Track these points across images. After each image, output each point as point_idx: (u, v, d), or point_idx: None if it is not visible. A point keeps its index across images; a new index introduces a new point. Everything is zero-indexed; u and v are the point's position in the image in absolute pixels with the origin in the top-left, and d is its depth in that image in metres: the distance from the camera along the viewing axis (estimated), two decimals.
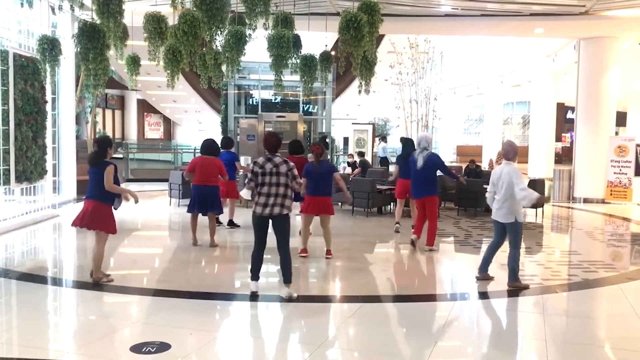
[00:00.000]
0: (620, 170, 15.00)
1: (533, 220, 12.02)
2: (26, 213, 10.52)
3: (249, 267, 6.26)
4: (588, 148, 15.21)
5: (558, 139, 29.50)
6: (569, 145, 31.83)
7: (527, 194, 6.24)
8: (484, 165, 25.95)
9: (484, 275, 6.93)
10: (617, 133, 18.94)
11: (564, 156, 31.83)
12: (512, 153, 6.76)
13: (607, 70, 14.98)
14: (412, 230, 8.92)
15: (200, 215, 8.74)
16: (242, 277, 7.14)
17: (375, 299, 6.40)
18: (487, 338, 5.34)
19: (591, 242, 10.01)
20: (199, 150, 9.25)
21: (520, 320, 5.80)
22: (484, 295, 6.67)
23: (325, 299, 6.46)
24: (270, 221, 6.03)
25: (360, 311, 5.77)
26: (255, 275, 6.17)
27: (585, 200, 15.10)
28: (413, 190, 8.81)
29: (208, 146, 8.84)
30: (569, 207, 14.44)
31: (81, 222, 6.40)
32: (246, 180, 6.13)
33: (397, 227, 10.16)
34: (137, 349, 4.54)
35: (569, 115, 32.27)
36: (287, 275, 6.09)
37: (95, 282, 6.48)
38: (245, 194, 6.17)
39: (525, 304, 6.31)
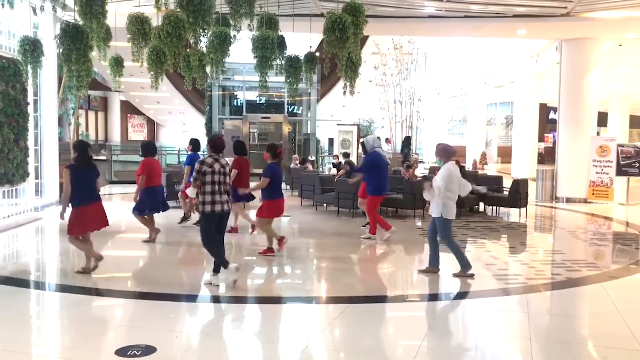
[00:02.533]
0: (602, 170, 15.17)
1: (517, 220, 12.12)
2: (8, 216, 10.38)
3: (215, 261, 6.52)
4: (570, 148, 15.37)
5: (541, 139, 29.84)
6: (551, 145, 32.18)
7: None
8: (468, 166, 26.14)
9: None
10: (598, 133, 19.17)
11: (547, 156, 32.20)
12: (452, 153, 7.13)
13: (589, 71, 15.16)
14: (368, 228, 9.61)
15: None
16: (227, 278, 7.12)
17: (361, 299, 6.41)
18: (472, 337, 5.38)
19: (574, 242, 10.12)
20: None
21: (504, 320, 5.84)
22: (468, 294, 6.72)
23: (311, 299, 6.46)
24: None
25: (347, 312, 5.78)
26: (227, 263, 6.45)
27: (568, 200, 15.25)
28: (384, 186, 9.38)
29: (154, 148, 9.39)
30: (551, 207, 14.58)
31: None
32: (192, 179, 6.36)
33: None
34: (122, 352, 4.49)
35: (552, 115, 32.61)
36: (225, 264, 6.47)
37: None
38: (191, 192, 6.47)
39: (509, 303, 6.36)
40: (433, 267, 7.22)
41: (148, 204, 8.82)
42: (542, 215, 13.53)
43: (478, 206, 13.08)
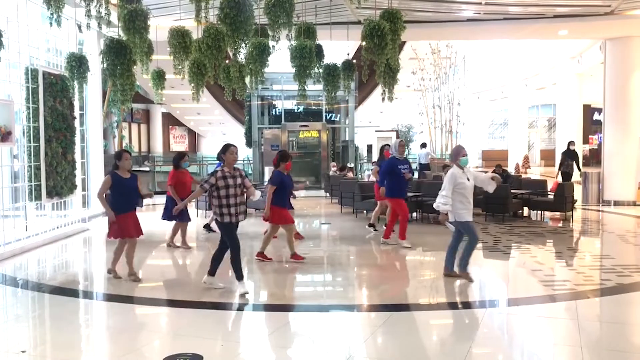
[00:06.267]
0: None
1: (563, 225, 11.84)
2: (57, 227, 10.71)
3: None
4: (617, 150, 14.93)
5: (585, 141, 29.07)
6: (596, 147, 31.33)
7: (439, 200, 6.94)
8: (511, 170, 25.68)
9: (451, 273, 7.28)
10: None
11: (592, 158, 31.34)
12: (453, 156, 7.23)
13: (635, 70, 14.73)
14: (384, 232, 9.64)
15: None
16: (271, 287, 7.17)
17: (405, 307, 6.36)
18: (520, 345, 5.25)
19: (624, 246, 9.81)
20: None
21: (553, 327, 5.70)
22: (514, 301, 6.58)
23: (353, 308, 6.44)
24: None
25: (390, 320, 5.74)
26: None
27: (616, 203, 14.81)
28: (403, 191, 9.45)
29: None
30: (599, 210, 14.19)
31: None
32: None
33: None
34: None
35: (596, 116, 31.78)
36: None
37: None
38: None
39: (557, 310, 6.21)
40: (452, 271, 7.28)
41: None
42: (589, 219, 13.17)
43: (522, 211, 12.83)
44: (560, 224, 11.95)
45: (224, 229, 6.49)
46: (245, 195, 6.66)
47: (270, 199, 7.99)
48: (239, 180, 6.45)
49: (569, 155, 15.68)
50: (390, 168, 9.26)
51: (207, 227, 10.73)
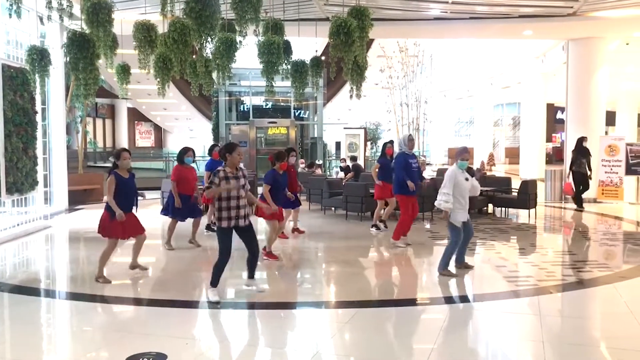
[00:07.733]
0: (611, 169, 15.07)
1: (526, 221, 12.06)
2: (18, 225, 10.44)
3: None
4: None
5: (548, 139, 29.71)
6: (559, 145, 32.05)
7: (441, 198, 6.97)
8: (476, 167, 26.03)
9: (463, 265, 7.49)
10: (606, 132, 19.07)
11: (555, 156, 32.05)
12: (456, 155, 7.30)
13: (596, 70, 15.09)
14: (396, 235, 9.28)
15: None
16: (238, 284, 7.12)
17: (371, 303, 6.39)
18: (484, 341, 5.33)
19: (585, 242, 10.05)
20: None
21: (516, 322, 5.80)
22: (478, 297, 6.68)
23: (320, 304, 6.45)
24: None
25: (357, 317, 5.76)
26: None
27: None
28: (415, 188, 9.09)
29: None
30: (561, 208, 14.50)
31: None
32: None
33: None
34: None
35: (559, 115, 32.52)
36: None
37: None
38: None
39: (520, 305, 6.32)
40: None
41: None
42: (552, 216, 13.45)
43: (487, 208, 13.03)
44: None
45: (220, 233, 6.11)
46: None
47: (268, 196, 7.93)
48: (242, 182, 6.12)
49: (581, 152, 13.73)
50: (405, 163, 8.97)
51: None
